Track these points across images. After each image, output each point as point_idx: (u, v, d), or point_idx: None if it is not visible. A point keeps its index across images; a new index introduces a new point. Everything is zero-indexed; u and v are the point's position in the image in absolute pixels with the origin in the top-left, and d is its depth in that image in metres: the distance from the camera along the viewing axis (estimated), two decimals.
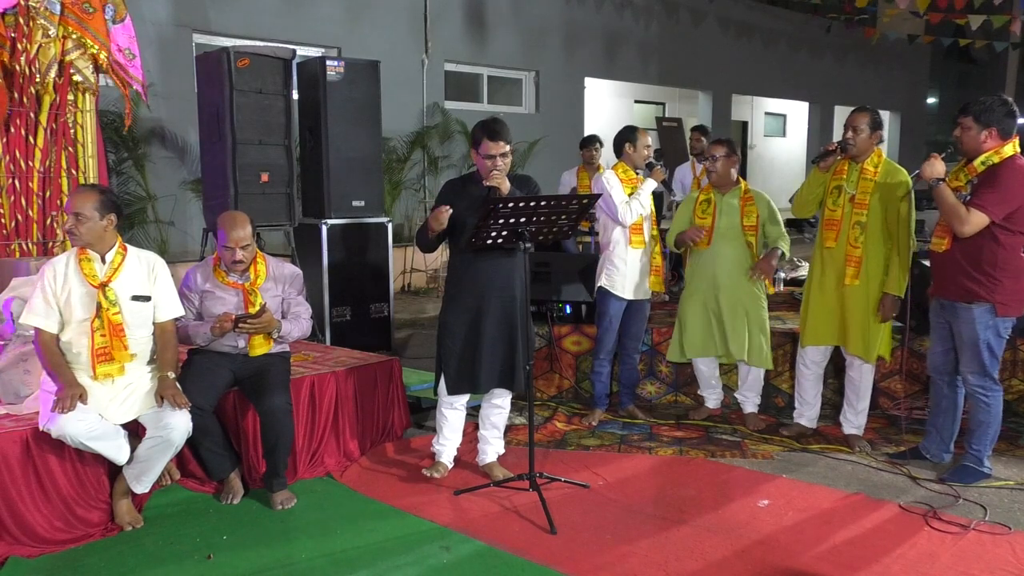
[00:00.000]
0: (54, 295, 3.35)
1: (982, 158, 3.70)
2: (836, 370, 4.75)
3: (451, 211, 3.70)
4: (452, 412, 4.00)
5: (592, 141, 7.26)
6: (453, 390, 3.91)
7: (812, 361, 4.48)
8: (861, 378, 4.35)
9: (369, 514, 3.62)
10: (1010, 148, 3.68)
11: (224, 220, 3.77)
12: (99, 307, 3.34)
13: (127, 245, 3.52)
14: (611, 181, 4.65)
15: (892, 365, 4.85)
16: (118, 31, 5.03)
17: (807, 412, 4.56)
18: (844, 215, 4.18)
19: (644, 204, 4.62)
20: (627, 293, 4.71)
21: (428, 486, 3.90)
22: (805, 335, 4.45)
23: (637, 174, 4.71)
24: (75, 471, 3.36)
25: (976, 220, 3.62)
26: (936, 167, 3.72)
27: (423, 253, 4.02)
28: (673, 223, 4.84)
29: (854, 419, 4.41)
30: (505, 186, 3.68)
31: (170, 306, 3.58)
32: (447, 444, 4.03)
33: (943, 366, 3.99)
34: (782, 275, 6.99)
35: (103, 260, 3.42)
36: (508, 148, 3.73)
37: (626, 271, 4.68)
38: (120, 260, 3.44)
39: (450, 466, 4.05)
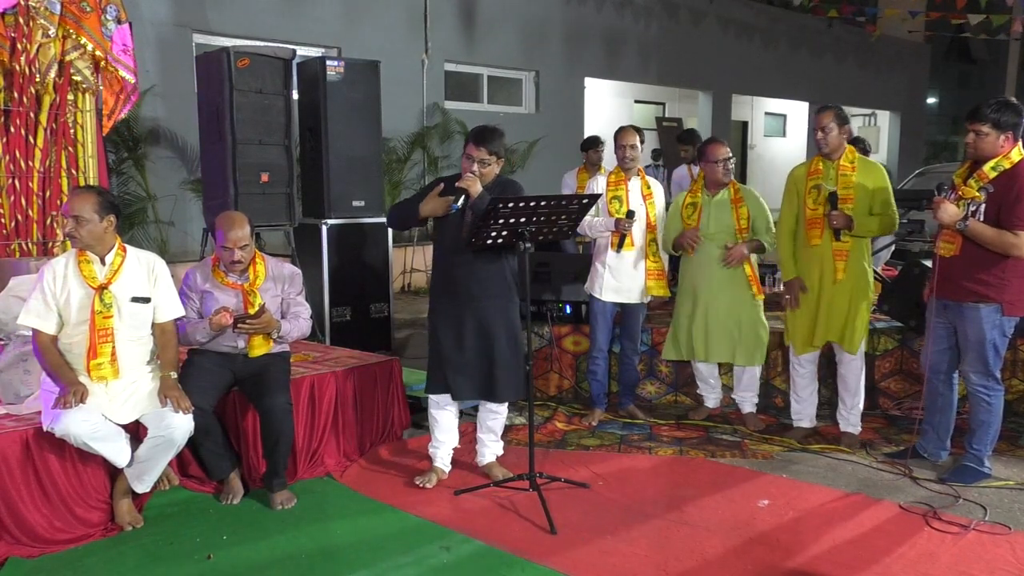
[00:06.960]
0: (53, 296, 3.33)
1: (992, 163, 3.67)
2: (829, 364, 4.71)
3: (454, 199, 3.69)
4: (440, 412, 3.96)
5: (594, 143, 7.20)
6: (428, 388, 3.93)
7: (807, 360, 4.47)
8: (850, 373, 4.36)
9: (369, 514, 3.62)
10: (1016, 152, 3.67)
11: (222, 220, 3.77)
12: (92, 310, 3.32)
13: (126, 246, 3.50)
14: (597, 186, 4.67)
15: (892, 365, 4.84)
16: (125, 32, 5.04)
17: (806, 410, 4.54)
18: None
19: (597, 227, 4.63)
20: (607, 295, 4.69)
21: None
22: (798, 343, 4.40)
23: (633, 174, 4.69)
24: (75, 471, 3.36)
25: None
26: (950, 211, 3.67)
27: (392, 228, 4.04)
28: (666, 226, 4.77)
29: (848, 416, 4.42)
30: (475, 189, 3.64)
31: (171, 306, 3.57)
32: (440, 447, 3.99)
33: (939, 365, 4.00)
34: (780, 275, 6.94)
35: (103, 262, 3.40)
36: (490, 157, 3.73)
37: (605, 274, 4.68)
38: (120, 262, 3.43)
39: (446, 471, 3.99)
